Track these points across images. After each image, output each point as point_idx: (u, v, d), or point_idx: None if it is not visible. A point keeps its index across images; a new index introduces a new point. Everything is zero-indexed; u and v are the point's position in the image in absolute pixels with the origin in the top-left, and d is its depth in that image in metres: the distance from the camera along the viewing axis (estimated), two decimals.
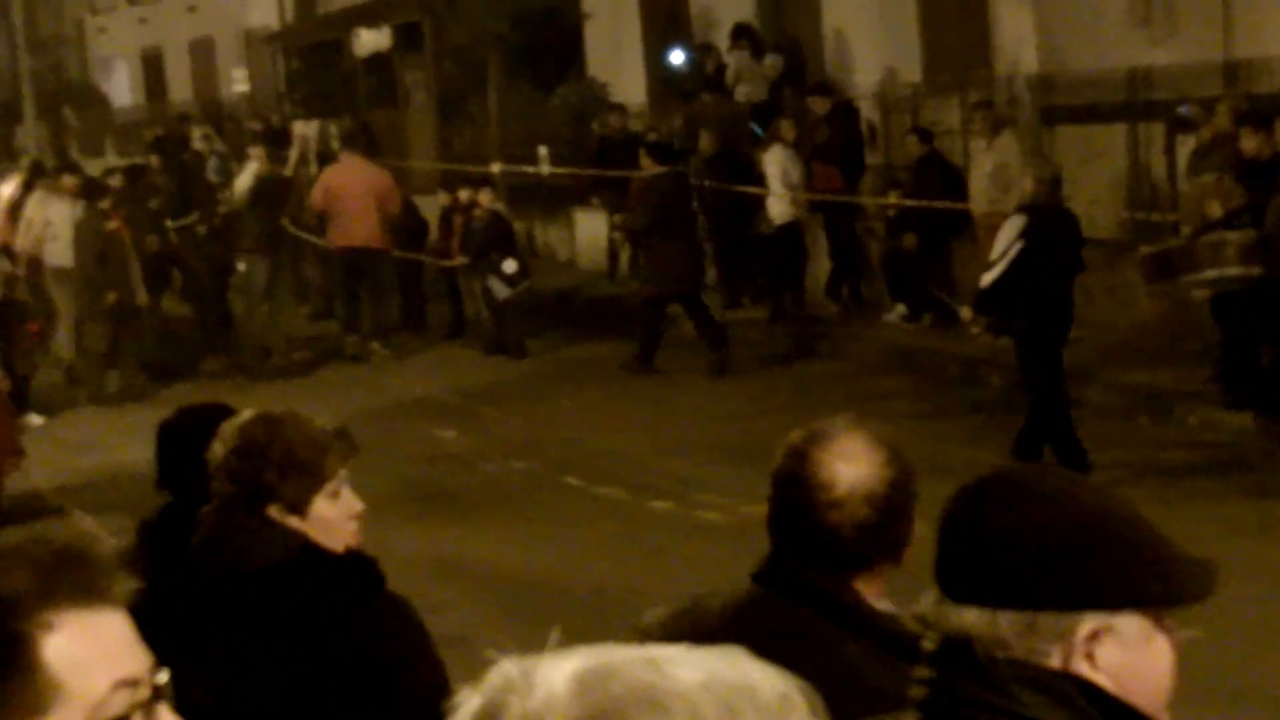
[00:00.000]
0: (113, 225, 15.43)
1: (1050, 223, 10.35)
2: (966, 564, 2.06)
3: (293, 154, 21.43)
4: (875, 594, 2.86)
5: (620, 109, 19.44)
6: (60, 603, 1.72)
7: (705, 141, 17.10)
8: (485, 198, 16.81)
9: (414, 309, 18.39)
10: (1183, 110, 12.94)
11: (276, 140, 21.83)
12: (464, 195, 17.28)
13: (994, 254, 10.41)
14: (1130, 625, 2.04)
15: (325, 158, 20.92)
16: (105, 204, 15.88)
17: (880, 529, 2.81)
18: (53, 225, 15.93)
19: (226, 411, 4.08)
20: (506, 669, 1.36)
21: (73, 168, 19.01)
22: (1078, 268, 10.67)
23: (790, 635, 2.67)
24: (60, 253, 15.80)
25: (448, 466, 12.39)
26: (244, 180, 16.83)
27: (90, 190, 16.19)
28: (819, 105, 16.28)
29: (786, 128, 16.20)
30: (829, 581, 2.83)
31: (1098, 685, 2.03)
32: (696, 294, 14.97)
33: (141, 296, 15.71)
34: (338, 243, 16.87)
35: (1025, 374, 10.71)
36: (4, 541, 1.78)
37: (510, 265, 16.21)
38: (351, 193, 16.57)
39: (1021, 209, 10.64)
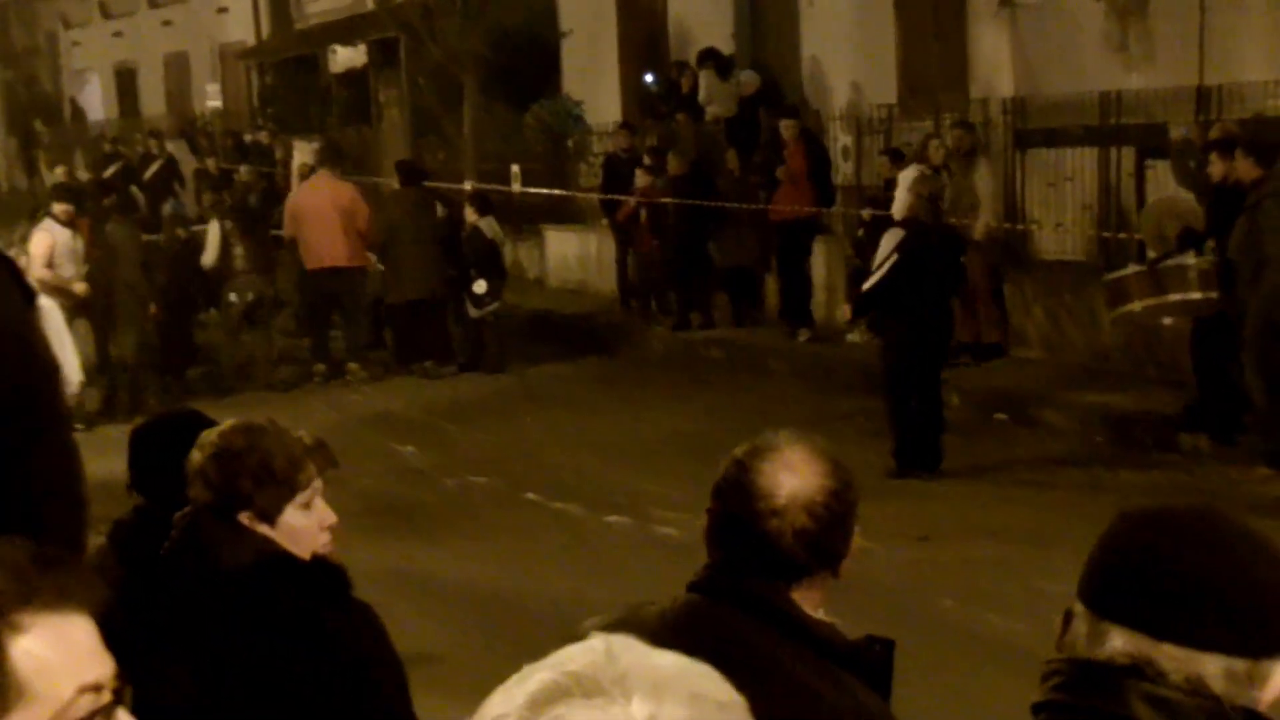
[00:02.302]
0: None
1: (927, 237, 11.07)
2: (1159, 599, 2.09)
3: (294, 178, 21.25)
4: (813, 604, 2.87)
5: (629, 128, 19.16)
6: (33, 606, 1.73)
7: (674, 162, 17.06)
8: (470, 215, 16.65)
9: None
10: (1183, 131, 12.89)
11: (256, 157, 21.71)
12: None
13: (874, 263, 11.26)
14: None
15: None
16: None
17: (819, 538, 2.82)
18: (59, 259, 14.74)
19: (198, 418, 4.20)
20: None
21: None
22: (956, 280, 11.48)
23: (727, 642, 2.68)
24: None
25: (408, 481, 12.35)
26: (212, 239, 16.27)
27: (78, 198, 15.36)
28: (789, 129, 16.20)
29: (934, 148, 14.52)
30: (767, 589, 2.83)
31: (1240, 708, 2.10)
32: (431, 301, 16.37)
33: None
34: (309, 265, 16.53)
35: (885, 377, 11.39)
36: None
37: (480, 286, 16.11)
38: (318, 212, 16.28)
39: (900, 223, 11.38)
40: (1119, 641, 2.08)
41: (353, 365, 16.49)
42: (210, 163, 24.35)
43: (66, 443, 3.20)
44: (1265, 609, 2.10)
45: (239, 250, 16.12)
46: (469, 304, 16.27)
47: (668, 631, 2.75)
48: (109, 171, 21.26)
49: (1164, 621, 2.07)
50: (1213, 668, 2.06)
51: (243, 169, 21.14)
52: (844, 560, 2.87)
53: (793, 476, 2.82)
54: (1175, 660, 2.06)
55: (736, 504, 2.84)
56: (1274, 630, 2.10)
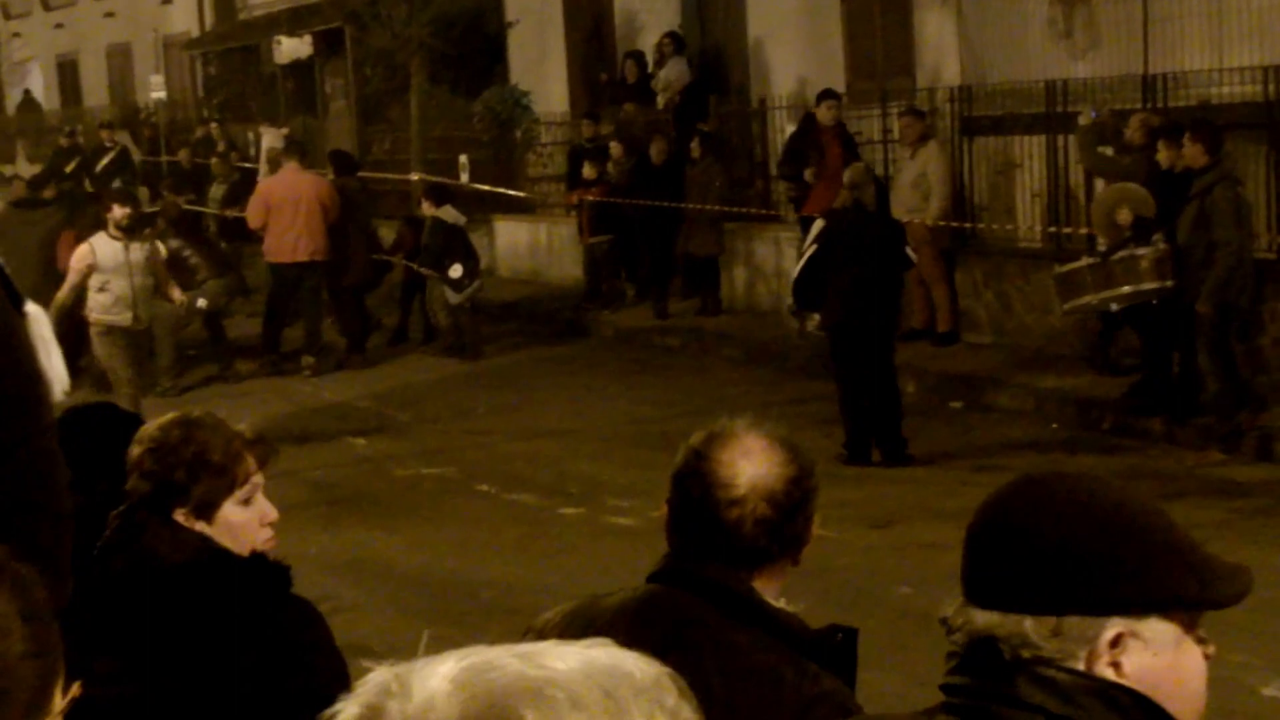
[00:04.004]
0: None
1: (849, 227, 11.11)
2: (992, 568, 2.03)
3: (262, 165, 21.09)
4: (774, 591, 2.86)
5: (594, 116, 18.91)
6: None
7: (655, 150, 16.95)
8: (427, 208, 16.60)
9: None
10: (1093, 114, 12.93)
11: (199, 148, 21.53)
12: None
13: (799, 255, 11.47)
14: (1158, 631, 1.99)
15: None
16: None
17: (780, 526, 2.80)
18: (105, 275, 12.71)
19: (111, 410, 4.09)
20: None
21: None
22: (897, 266, 11.36)
23: (689, 630, 2.70)
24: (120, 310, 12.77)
25: (362, 472, 12.30)
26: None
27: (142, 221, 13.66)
28: (828, 113, 15.29)
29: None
30: (729, 578, 2.81)
31: (1122, 687, 1.98)
32: (359, 288, 16.94)
33: None
34: (279, 258, 16.20)
35: (833, 364, 11.47)
36: None
37: (455, 270, 16.12)
38: (299, 203, 16.01)
39: (822, 214, 11.56)
40: (979, 620, 2.02)
41: (308, 359, 16.26)
42: (184, 154, 24.15)
43: (49, 453, 3.16)
44: (1077, 562, 1.98)
45: (195, 259, 15.87)
46: (448, 291, 16.25)
47: (628, 621, 2.75)
48: (69, 166, 20.96)
49: (1016, 596, 2.00)
50: (1028, 626, 1.97)
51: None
52: (805, 546, 2.85)
53: (752, 464, 2.79)
54: (1039, 634, 1.98)
55: (696, 493, 2.81)
56: (1090, 584, 1.98)
